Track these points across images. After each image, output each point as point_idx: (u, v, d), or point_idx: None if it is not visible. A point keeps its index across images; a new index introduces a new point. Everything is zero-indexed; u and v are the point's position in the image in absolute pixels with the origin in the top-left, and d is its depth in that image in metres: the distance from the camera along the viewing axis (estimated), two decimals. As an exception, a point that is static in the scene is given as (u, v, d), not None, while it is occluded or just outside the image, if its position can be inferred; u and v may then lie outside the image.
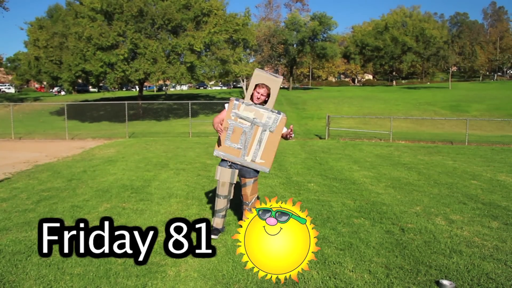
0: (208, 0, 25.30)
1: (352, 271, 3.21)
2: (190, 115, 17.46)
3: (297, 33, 48.61)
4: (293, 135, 3.89)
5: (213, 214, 4.02)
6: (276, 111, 3.78)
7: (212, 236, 3.84)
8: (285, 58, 52.47)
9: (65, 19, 25.64)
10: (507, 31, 79.56)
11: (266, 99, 3.81)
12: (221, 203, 3.93)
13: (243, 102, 3.78)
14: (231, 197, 3.98)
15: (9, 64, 58.85)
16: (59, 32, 25.64)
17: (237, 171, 3.88)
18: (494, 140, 15.64)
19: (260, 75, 3.79)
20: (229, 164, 3.87)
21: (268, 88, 3.76)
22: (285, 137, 3.88)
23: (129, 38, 22.85)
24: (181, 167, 8.23)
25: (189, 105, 17.55)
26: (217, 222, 3.95)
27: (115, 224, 4.44)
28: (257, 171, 3.93)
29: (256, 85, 3.77)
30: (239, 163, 3.83)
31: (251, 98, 3.82)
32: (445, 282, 2.94)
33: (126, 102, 17.44)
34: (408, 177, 7.21)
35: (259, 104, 3.78)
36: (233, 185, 3.93)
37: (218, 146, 3.87)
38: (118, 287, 2.95)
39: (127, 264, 3.32)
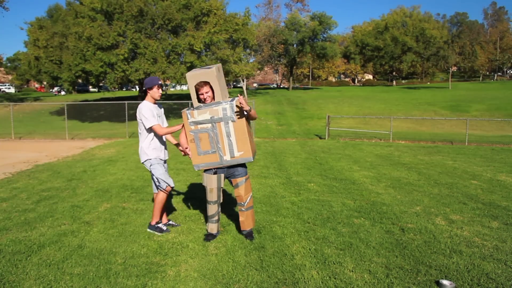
0: (208, 0, 25.31)
1: (352, 271, 3.21)
2: (190, 115, 17.40)
3: (297, 33, 48.61)
4: (247, 107, 3.59)
5: (206, 220, 4.00)
6: (229, 100, 3.69)
7: (206, 241, 3.86)
8: (285, 58, 52.48)
9: (65, 19, 25.66)
10: (507, 31, 79.58)
11: (213, 94, 3.71)
12: (212, 209, 3.91)
13: (194, 108, 3.69)
14: (221, 201, 3.96)
15: (9, 64, 58.96)
16: (59, 32, 25.65)
17: (222, 175, 3.86)
18: (494, 140, 15.64)
19: (193, 77, 3.64)
20: (214, 170, 3.83)
21: (208, 83, 3.65)
22: (248, 117, 3.76)
23: (129, 38, 22.85)
24: (181, 167, 8.23)
25: (189, 105, 17.49)
26: (211, 228, 3.94)
27: (115, 223, 4.47)
28: (245, 167, 3.90)
29: (196, 88, 3.66)
30: (222, 165, 3.77)
31: (200, 101, 3.72)
32: (445, 282, 2.94)
33: (126, 102, 17.42)
34: (408, 177, 7.21)
35: (209, 102, 3.70)
36: (221, 189, 3.92)
37: (195, 160, 3.78)
38: (118, 287, 2.95)
39: (127, 264, 3.33)
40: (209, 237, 3.91)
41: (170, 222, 4.33)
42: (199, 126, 3.70)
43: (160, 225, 4.13)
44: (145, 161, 4.07)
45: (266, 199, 5.47)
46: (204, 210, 4.94)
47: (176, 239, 3.92)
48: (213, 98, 3.72)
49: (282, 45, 50.01)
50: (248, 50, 30.54)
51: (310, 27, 47.40)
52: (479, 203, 5.36)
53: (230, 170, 3.85)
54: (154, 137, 4.07)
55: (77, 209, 4.97)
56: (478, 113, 25.47)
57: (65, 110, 17.46)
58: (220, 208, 3.98)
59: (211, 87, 3.67)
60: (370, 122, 22.09)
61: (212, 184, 3.84)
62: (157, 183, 4.07)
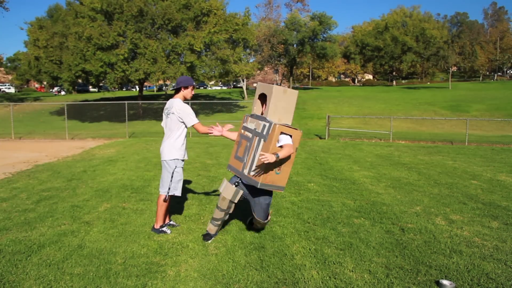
0: (208, 0, 25.32)
1: (352, 271, 3.21)
2: (190, 115, 17.39)
3: (297, 33, 48.62)
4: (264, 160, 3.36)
5: (210, 220, 3.98)
6: (275, 121, 3.53)
7: (204, 241, 3.84)
8: (285, 58, 52.48)
9: (65, 19, 25.66)
10: (507, 31, 79.56)
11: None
12: (219, 214, 3.84)
13: (250, 115, 3.79)
14: (230, 211, 3.85)
15: (9, 64, 58.94)
16: (59, 32, 25.65)
17: (241, 192, 3.72)
18: (494, 140, 15.64)
19: (260, 86, 3.77)
20: (236, 182, 3.77)
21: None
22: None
23: (129, 38, 22.86)
24: (181, 167, 8.22)
25: (189, 105, 17.54)
26: (210, 228, 3.90)
27: (115, 223, 4.47)
28: (268, 206, 3.77)
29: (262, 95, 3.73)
30: (239, 175, 3.73)
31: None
32: (445, 282, 2.94)
33: (126, 102, 17.43)
34: (408, 177, 7.21)
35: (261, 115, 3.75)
36: (234, 203, 3.79)
37: (230, 160, 3.91)
38: (118, 287, 2.95)
39: (127, 264, 3.33)
40: (206, 236, 3.88)
41: (171, 222, 4.33)
42: (245, 132, 3.76)
43: (164, 228, 4.11)
44: (171, 160, 3.96)
45: (266, 199, 5.47)
46: (204, 210, 4.94)
47: (176, 239, 3.92)
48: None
49: (282, 45, 50.01)
50: (248, 50, 30.54)
51: (310, 27, 47.41)
52: (479, 203, 5.36)
53: (252, 197, 3.76)
54: (184, 136, 4.07)
55: (77, 209, 4.96)
56: (478, 113, 25.48)
57: (65, 110, 17.46)
58: (227, 217, 3.88)
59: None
60: (370, 122, 22.09)
61: (227, 194, 3.73)
62: (167, 185, 3.98)
